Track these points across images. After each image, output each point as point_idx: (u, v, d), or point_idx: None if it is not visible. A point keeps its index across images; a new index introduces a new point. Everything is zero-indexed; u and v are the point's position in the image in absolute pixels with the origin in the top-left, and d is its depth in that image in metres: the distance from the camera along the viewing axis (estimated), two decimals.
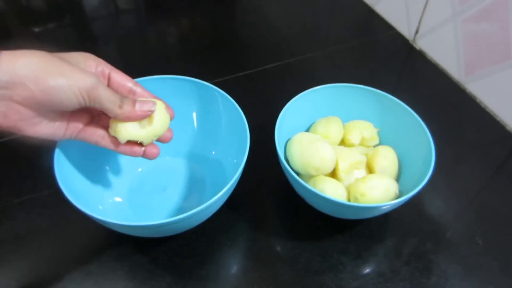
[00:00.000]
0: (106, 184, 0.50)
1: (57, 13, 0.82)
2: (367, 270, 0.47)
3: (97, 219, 0.39)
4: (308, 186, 0.42)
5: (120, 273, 0.45)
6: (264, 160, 0.52)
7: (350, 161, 0.47)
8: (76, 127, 0.39)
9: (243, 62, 0.72)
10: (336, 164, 0.47)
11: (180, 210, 0.50)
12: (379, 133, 0.53)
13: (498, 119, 0.63)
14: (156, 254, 0.47)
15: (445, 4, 0.66)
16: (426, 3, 0.70)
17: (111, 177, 0.51)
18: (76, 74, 0.34)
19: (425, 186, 0.42)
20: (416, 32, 0.75)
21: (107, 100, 0.36)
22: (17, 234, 0.48)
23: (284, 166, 0.45)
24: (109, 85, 0.40)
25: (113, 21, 0.84)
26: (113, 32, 0.80)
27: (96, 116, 0.41)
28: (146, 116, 0.39)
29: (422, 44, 0.75)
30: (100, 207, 0.47)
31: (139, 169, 0.53)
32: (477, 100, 0.66)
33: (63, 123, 0.38)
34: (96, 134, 0.40)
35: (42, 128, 0.36)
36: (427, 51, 0.74)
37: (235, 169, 0.43)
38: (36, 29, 0.77)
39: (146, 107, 0.39)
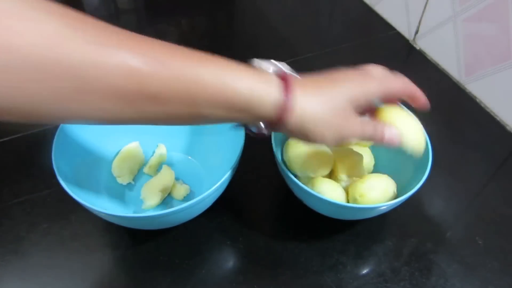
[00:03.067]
0: (105, 178, 0.51)
1: None
2: (367, 270, 0.46)
3: (95, 211, 0.39)
4: (307, 188, 0.42)
5: (120, 273, 0.45)
6: (263, 161, 0.52)
7: (348, 161, 0.47)
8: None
9: (243, 62, 0.72)
10: (335, 166, 0.47)
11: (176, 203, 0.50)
12: None
13: (498, 119, 0.63)
14: (156, 254, 0.47)
15: (445, 4, 0.66)
16: (426, 3, 0.70)
17: (109, 171, 0.51)
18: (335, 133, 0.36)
19: (425, 186, 0.42)
20: (416, 32, 0.75)
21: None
22: (17, 234, 0.48)
23: (282, 168, 0.45)
24: None
25: (113, 21, 0.83)
26: None
27: None
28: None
29: (422, 44, 0.75)
30: (100, 201, 0.47)
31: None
32: (477, 100, 0.66)
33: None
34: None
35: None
36: (427, 51, 0.74)
37: (228, 168, 0.43)
38: None
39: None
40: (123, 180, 0.51)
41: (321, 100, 0.35)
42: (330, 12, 0.86)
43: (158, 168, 0.54)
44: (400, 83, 0.42)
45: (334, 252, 0.48)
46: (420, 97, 0.43)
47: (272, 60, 0.37)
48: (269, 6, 0.87)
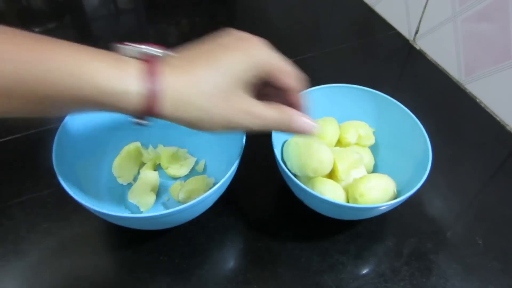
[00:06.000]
0: (105, 178, 0.51)
1: (57, 13, 0.82)
2: (367, 270, 0.47)
3: (96, 211, 0.39)
4: (307, 188, 0.42)
5: (120, 273, 0.45)
6: (263, 161, 0.52)
7: (348, 161, 0.47)
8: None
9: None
10: (335, 166, 0.47)
11: (177, 203, 0.50)
12: (376, 133, 0.53)
13: (498, 119, 0.63)
14: (156, 254, 0.47)
15: (445, 4, 0.66)
16: (426, 3, 0.70)
17: (110, 171, 0.51)
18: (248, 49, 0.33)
19: (425, 186, 0.42)
20: (416, 32, 0.75)
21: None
22: (17, 234, 0.48)
23: (282, 168, 0.45)
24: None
25: (113, 21, 0.84)
26: (113, 32, 0.80)
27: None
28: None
29: (422, 44, 0.75)
30: (100, 201, 0.47)
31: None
32: (477, 100, 0.66)
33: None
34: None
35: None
36: (427, 51, 0.74)
37: (229, 167, 0.43)
38: (36, 29, 0.77)
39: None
40: (124, 180, 0.51)
41: (192, 81, 0.30)
42: (330, 12, 0.86)
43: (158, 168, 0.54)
44: (286, 66, 0.35)
45: (334, 252, 0.48)
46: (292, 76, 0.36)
47: (138, 45, 0.31)
48: (269, 6, 0.87)
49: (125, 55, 0.30)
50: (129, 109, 0.29)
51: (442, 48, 0.70)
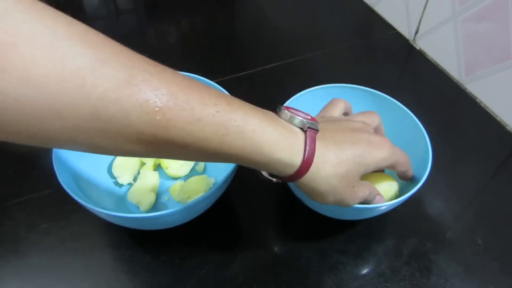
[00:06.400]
0: (105, 178, 0.51)
1: None
2: (367, 270, 0.46)
3: (95, 211, 0.39)
4: None
5: (120, 273, 0.45)
6: None
7: None
8: None
9: (243, 62, 0.72)
10: None
11: (177, 203, 0.50)
12: None
13: (498, 119, 0.63)
14: (156, 254, 0.47)
15: (445, 4, 0.66)
16: (426, 3, 0.70)
17: (110, 171, 0.51)
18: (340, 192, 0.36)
19: (425, 186, 0.42)
20: (416, 32, 0.75)
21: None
22: (17, 234, 0.48)
23: None
24: None
25: (113, 21, 0.84)
26: (113, 32, 0.80)
27: None
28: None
29: (422, 44, 0.75)
30: (100, 201, 0.47)
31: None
32: (477, 100, 0.66)
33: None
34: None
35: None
36: (427, 51, 0.74)
37: (229, 167, 0.43)
38: None
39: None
40: (123, 180, 0.51)
41: (334, 163, 0.34)
42: (330, 12, 0.86)
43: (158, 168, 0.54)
44: (405, 159, 0.41)
45: (334, 252, 0.48)
46: (410, 175, 0.44)
47: (295, 111, 0.35)
48: (269, 6, 0.87)
49: (286, 119, 0.34)
50: (285, 172, 0.33)
51: (442, 48, 0.70)
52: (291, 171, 0.33)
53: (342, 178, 0.34)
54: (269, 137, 0.31)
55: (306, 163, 0.32)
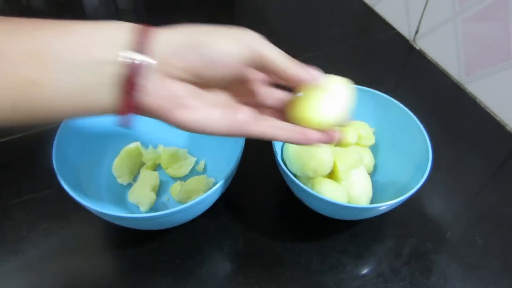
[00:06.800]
0: (105, 178, 0.51)
1: (57, 13, 0.82)
2: (367, 270, 0.47)
3: (95, 211, 0.39)
4: (307, 188, 0.42)
5: (120, 273, 0.45)
6: (263, 161, 0.52)
7: (348, 161, 0.47)
8: (241, 119, 0.33)
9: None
10: (335, 166, 0.47)
11: (177, 203, 0.50)
12: (376, 133, 0.53)
13: (498, 119, 0.63)
14: (156, 254, 0.47)
15: (445, 4, 0.66)
16: (426, 3, 0.70)
17: (110, 171, 0.51)
18: (238, 32, 0.30)
19: (425, 186, 0.42)
20: (416, 32, 0.75)
21: (275, 54, 0.31)
22: (17, 234, 0.48)
23: (282, 169, 0.45)
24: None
25: None
26: None
27: (260, 107, 0.35)
28: (316, 81, 0.34)
29: (422, 44, 0.75)
30: (100, 201, 0.47)
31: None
32: (477, 100, 0.66)
33: (221, 110, 0.32)
34: (273, 126, 0.33)
35: (195, 114, 0.31)
36: (427, 51, 0.74)
37: (229, 167, 0.43)
38: None
39: (314, 72, 0.33)
40: (123, 180, 0.51)
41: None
42: (330, 12, 0.86)
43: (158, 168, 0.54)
44: (278, 52, 0.33)
45: (334, 252, 0.48)
46: (296, 74, 0.34)
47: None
48: (269, 6, 0.87)
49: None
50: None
51: (442, 48, 0.70)
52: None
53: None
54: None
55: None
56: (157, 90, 0.29)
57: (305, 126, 0.33)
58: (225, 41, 0.30)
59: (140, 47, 0.28)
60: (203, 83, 0.31)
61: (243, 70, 0.31)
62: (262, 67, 0.32)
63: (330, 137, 0.34)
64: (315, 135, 0.34)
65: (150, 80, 0.28)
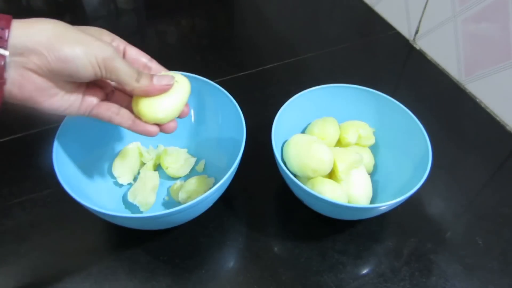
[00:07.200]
0: (105, 178, 0.51)
1: (57, 13, 0.82)
2: (367, 270, 0.47)
3: (95, 211, 0.39)
4: (307, 188, 0.42)
5: (120, 273, 0.45)
6: (263, 161, 0.52)
7: (348, 161, 0.47)
8: (90, 102, 0.38)
9: (243, 62, 0.72)
10: (335, 166, 0.47)
11: (177, 203, 0.50)
12: (376, 133, 0.53)
13: (498, 119, 0.63)
14: (156, 254, 0.47)
15: (445, 4, 0.66)
16: (426, 3, 0.70)
17: (110, 171, 0.51)
18: (93, 43, 0.33)
19: (425, 186, 0.42)
20: (416, 32, 0.75)
21: (123, 72, 0.35)
22: (17, 234, 0.48)
23: (282, 168, 0.45)
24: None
25: (113, 21, 0.84)
26: (113, 32, 0.80)
27: (110, 93, 0.40)
28: (164, 91, 0.38)
29: (422, 44, 0.75)
30: (100, 201, 0.47)
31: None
32: (477, 100, 0.66)
33: (78, 97, 0.37)
34: (110, 110, 0.38)
35: (57, 101, 0.35)
36: (427, 51, 0.74)
37: (229, 167, 0.43)
38: None
39: (164, 81, 0.38)
40: (123, 180, 0.51)
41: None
42: (330, 12, 0.86)
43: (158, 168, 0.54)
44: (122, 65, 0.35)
45: (334, 252, 0.48)
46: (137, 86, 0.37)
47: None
48: (269, 6, 0.87)
49: None
50: None
51: (442, 48, 0.70)
52: None
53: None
54: None
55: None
56: (23, 83, 0.32)
57: (145, 121, 0.39)
58: (79, 54, 0.32)
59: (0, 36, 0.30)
60: (61, 80, 0.34)
61: (94, 79, 0.35)
62: (111, 81, 0.36)
63: (167, 129, 0.40)
64: (152, 128, 0.39)
65: (15, 72, 0.31)
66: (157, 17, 0.85)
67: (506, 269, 0.47)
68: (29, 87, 0.32)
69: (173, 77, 0.39)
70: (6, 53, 0.31)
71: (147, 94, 0.37)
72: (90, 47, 0.33)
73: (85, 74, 0.33)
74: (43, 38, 0.31)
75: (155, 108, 0.38)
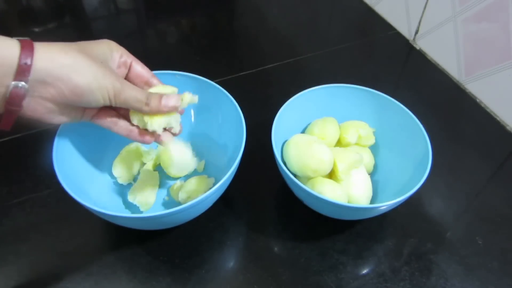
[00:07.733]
0: (105, 178, 0.51)
1: (57, 13, 0.82)
2: (367, 270, 0.47)
3: (96, 211, 0.39)
4: (307, 188, 0.42)
5: (120, 273, 0.45)
6: (263, 161, 0.52)
7: (348, 161, 0.47)
8: (91, 111, 0.40)
9: (243, 62, 0.72)
10: (335, 166, 0.47)
11: (177, 203, 0.50)
12: (376, 133, 0.53)
13: (498, 119, 0.63)
14: (156, 254, 0.47)
15: (445, 4, 0.66)
16: (426, 3, 0.70)
17: (110, 171, 0.51)
18: (105, 77, 0.36)
19: (425, 186, 0.42)
20: (416, 32, 0.75)
21: (133, 100, 0.38)
22: (17, 234, 0.48)
23: (282, 168, 0.45)
24: (128, 74, 0.42)
25: (113, 21, 0.84)
26: (113, 32, 0.80)
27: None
28: (172, 111, 0.40)
29: (422, 44, 0.75)
30: (100, 201, 0.47)
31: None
32: (477, 100, 0.66)
33: (81, 111, 0.40)
34: (109, 119, 0.41)
35: (64, 118, 0.38)
36: (427, 51, 0.74)
37: (229, 167, 0.43)
38: (36, 29, 0.77)
39: (172, 103, 0.40)
40: (123, 180, 0.51)
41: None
42: (330, 12, 0.86)
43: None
44: (136, 93, 0.39)
45: (334, 252, 0.48)
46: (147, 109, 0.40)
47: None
48: (269, 6, 0.87)
49: None
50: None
51: (442, 48, 0.70)
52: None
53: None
54: None
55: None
56: (37, 108, 0.35)
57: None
58: (93, 89, 0.35)
59: (24, 69, 0.32)
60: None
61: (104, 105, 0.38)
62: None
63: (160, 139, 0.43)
64: (146, 139, 0.42)
65: (31, 100, 0.34)
66: (157, 17, 0.85)
67: (506, 269, 0.47)
68: (42, 111, 0.35)
69: (179, 98, 0.40)
70: (27, 86, 0.33)
71: (155, 114, 0.40)
72: (102, 82, 0.36)
73: (96, 105, 0.37)
74: (63, 74, 0.34)
75: (155, 122, 0.40)
